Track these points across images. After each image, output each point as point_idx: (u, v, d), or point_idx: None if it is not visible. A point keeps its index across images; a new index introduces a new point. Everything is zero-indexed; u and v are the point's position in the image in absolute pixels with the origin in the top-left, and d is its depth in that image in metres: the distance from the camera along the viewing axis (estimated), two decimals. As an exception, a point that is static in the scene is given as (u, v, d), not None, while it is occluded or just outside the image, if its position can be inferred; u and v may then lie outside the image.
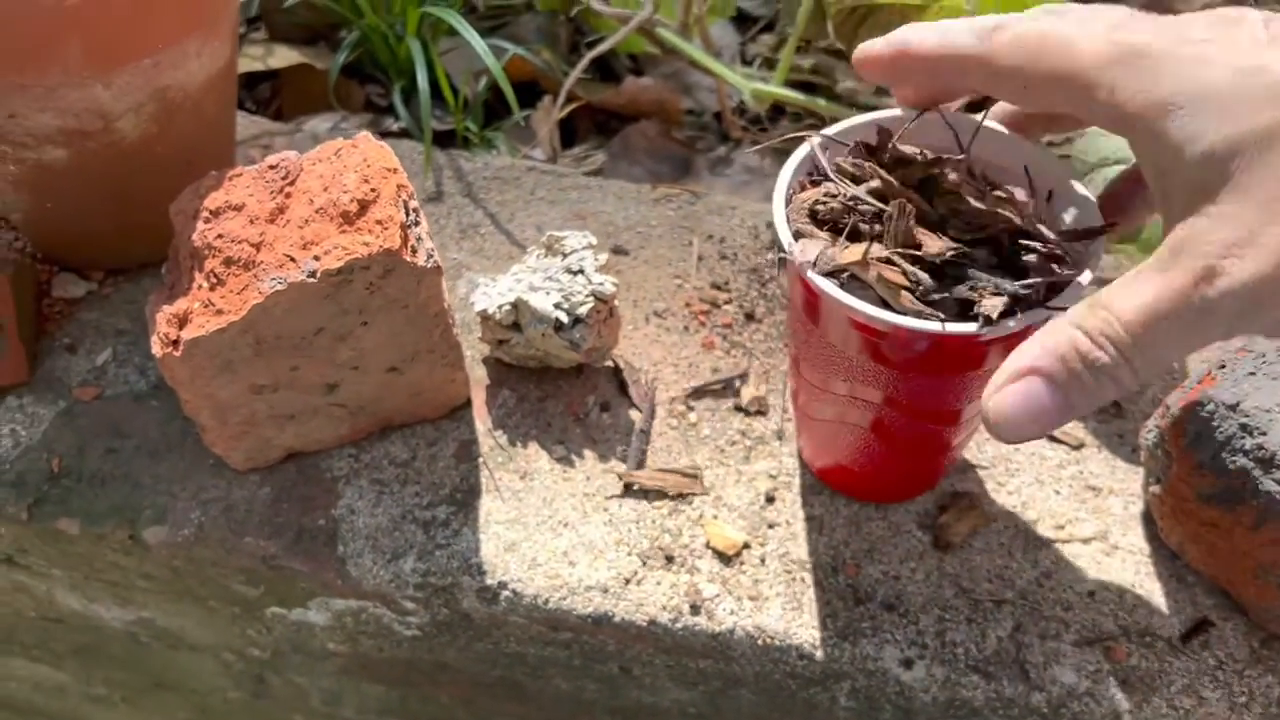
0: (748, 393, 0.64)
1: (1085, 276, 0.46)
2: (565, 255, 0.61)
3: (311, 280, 0.50)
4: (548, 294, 0.60)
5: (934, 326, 0.45)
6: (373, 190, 0.52)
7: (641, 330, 0.67)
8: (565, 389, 0.64)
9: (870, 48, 0.48)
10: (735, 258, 0.71)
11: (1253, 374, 0.54)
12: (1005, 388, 0.41)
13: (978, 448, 0.62)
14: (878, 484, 0.59)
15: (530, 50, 0.88)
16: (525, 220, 0.73)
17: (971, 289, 0.46)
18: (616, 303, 0.62)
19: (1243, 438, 0.52)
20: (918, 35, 0.47)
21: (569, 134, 0.90)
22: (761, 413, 0.64)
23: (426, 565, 0.57)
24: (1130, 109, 0.39)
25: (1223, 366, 0.54)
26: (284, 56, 0.88)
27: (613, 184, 0.76)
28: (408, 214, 0.53)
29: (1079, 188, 0.49)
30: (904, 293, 0.46)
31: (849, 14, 0.74)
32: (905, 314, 0.45)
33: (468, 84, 0.86)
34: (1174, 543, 0.57)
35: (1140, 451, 0.60)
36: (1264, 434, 0.52)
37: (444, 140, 0.85)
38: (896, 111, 0.53)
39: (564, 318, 0.59)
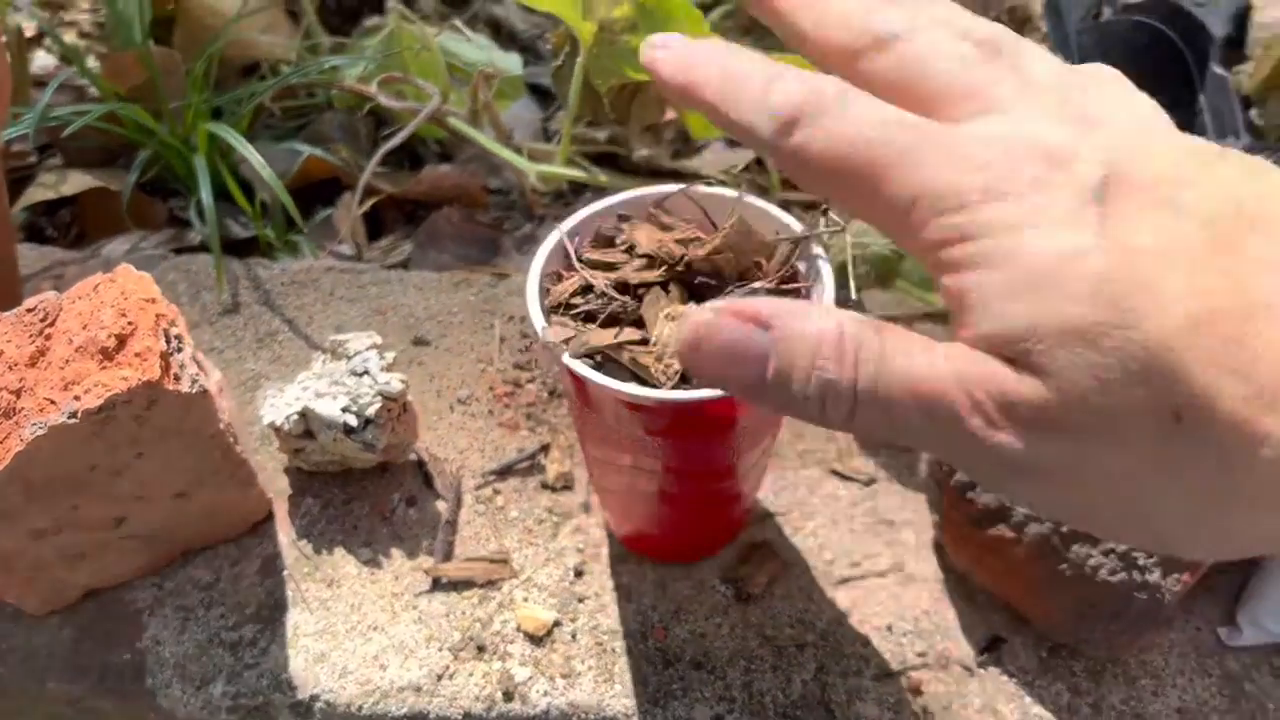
0: (553, 469, 0.65)
1: None
2: (349, 358, 0.62)
3: (73, 421, 0.50)
4: (334, 399, 0.60)
5: (680, 396, 0.47)
6: (130, 323, 0.52)
7: (446, 419, 0.68)
8: (370, 489, 0.64)
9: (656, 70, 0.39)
10: (537, 337, 0.73)
11: (1003, 400, 0.57)
12: (731, 318, 0.34)
13: (774, 495, 0.65)
14: (678, 545, 0.61)
15: (329, 149, 0.89)
16: (324, 322, 0.73)
17: None
18: (410, 398, 0.63)
19: (998, 462, 0.55)
20: (707, 88, 0.37)
21: (377, 227, 0.91)
22: (568, 487, 0.65)
23: (236, 688, 0.57)
24: (940, 256, 0.32)
25: (976, 396, 0.58)
26: (78, 181, 0.87)
27: (413, 275, 0.77)
28: (169, 342, 0.53)
29: (823, 263, 0.52)
30: (656, 366, 0.48)
31: (619, 91, 0.77)
32: (658, 386, 0.47)
33: (265, 190, 0.87)
34: (962, 567, 0.60)
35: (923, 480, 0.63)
36: (1016, 456, 0.55)
37: (247, 248, 0.85)
38: (647, 191, 0.55)
39: (353, 421, 0.60)
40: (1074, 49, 0.80)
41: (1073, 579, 0.54)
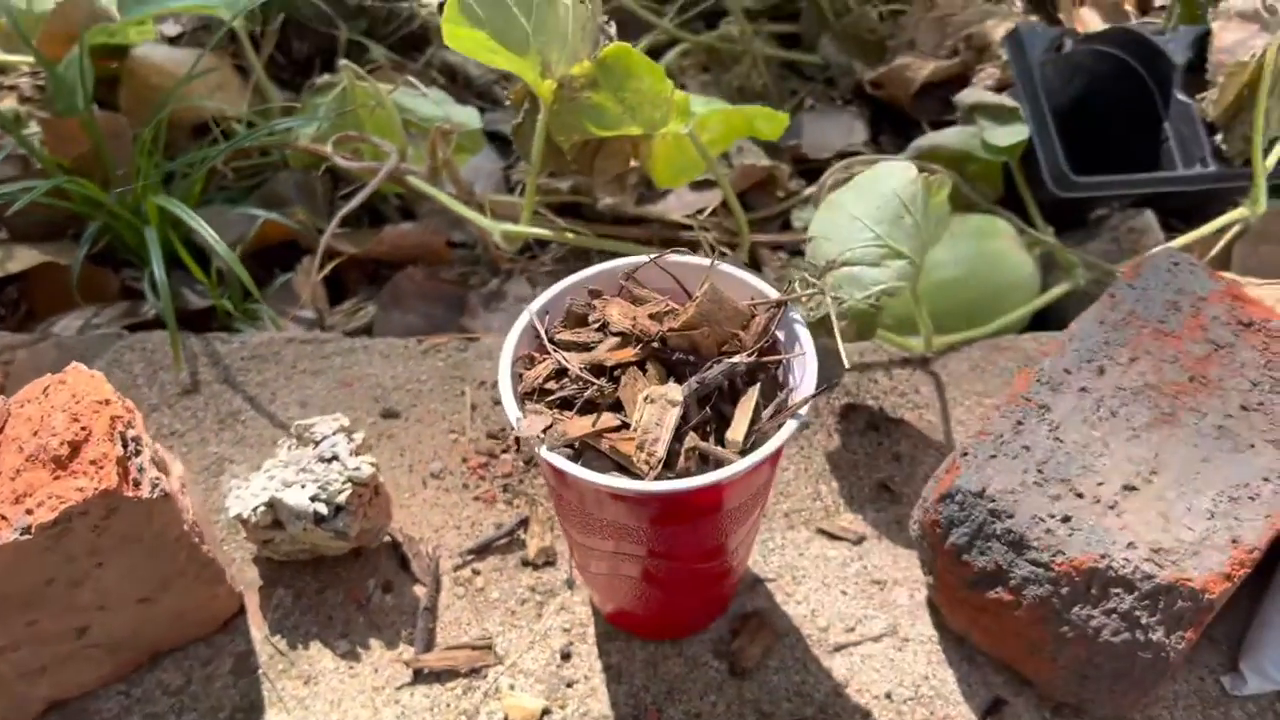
0: (534, 544, 0.63)
1: (795, 422, 0.47)
2: (316, 444, 0.60)
3: (27, 537, 0.47)
4: (302, 487, 0.58)
5: (664, 487, 0.45)
6: (83, 429, 0.50)
7: (419, 495, 0.66)
8: (344, 575, 0.62)
9: None
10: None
11: (994, 456, 0.56)
12: None
13: (763, 559, 0.63)
14: (666, 623, 0.59)
15: (285, 211, 0.87)
16: (288, 398, 0.71)
17: (695, 448, 0.46)
18: (381, 479, 0.61)
19: (993, 523, 0.54)
20: None
21: (339, 289, 0.88)
22: (550, 563, 0.63)
23: (213, 799, 0.54)
24: None
25: (965, 454, 0.56)
26: (25, 258, 0.84)
27: (378, 343, 0.75)
28: (125, 445, 0.51)
29: (801, 329, 0.51)
30: (639, 456, 0.46)
31: (583, 146, 0.75)
32: (641, 476, 0.45)
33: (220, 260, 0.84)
34: (958, 627, 0.59)
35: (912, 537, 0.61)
36: (1011, 516, 0.54)
37: (205, 318, 0.82)
38: (617, 263, 0.54)
39: (323, 510, 0.57)
40: (1038, 80, 0.79)
41: (1075, 640, 0.53)
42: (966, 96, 0.83)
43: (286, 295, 0.86)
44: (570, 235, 0.76)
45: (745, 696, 0.57)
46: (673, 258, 0.54)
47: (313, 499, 0.58)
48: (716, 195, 0.94)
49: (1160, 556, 0.52)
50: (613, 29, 0.72)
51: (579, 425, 0.47)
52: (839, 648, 0.59)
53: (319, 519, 0.58)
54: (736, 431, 0.48)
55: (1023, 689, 0.58)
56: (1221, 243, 0.79)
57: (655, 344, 0.50)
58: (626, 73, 0.66)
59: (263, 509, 0.58)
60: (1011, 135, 0.78)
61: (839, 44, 1.08)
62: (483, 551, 0.63)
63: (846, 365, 0.51)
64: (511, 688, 0.58)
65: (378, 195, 0.95)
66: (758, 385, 0.49)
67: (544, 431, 0.46)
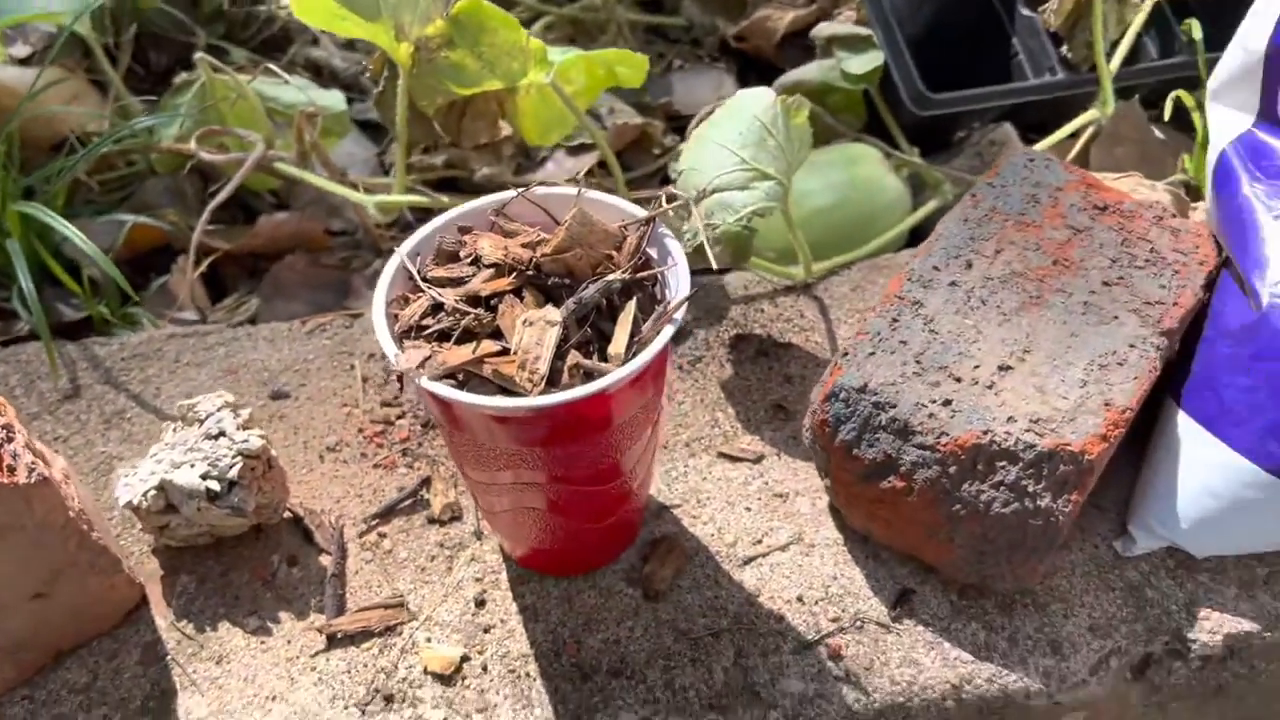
0: (438, 502, 0.63)
1: (676, 317, 0.48)
2: (201, 422, 0.59)
3: (-103, 535, 0.46)
4: (192, 466, 0.57)
5: (549, 400, 0.45)
6: (-52, 420, 0.48)
7: (317, 470, 0.65)
8: (246, 555, 0.61)
9: None
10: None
11: (873, 353, 0.57)
12: None
13: (667, 488, 0.63)
14: (577, 555, 0.59)
15: (155, 214, 0.85)
16: (173, 391, 0.70)
17: (578, 365, 0.47)
18: (274, 453, 0.60)
19: (878, 415, 0.55)
20: None
21: (219, 288, 0.87)
22: (456, 518, 0.63)
23: (131, 790, 0.53)
24: None
25: (845, 354, 0.58)
26: (-118, 286, 0.81)
27: (262, 329, 0.74)
28: (-4, 433, 0.49)
29: (672, 243, 0.51)
30: (521, 375, 0.46)
31: (448, 109, 0.75)
32: (525, 395, 0.46)
33: (94, 267, 0.82)
34: (858, 526, 0.60)
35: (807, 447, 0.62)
36: (894, 406, 0.55)
37: (82, 329, 0.80)
38: (485, 200, 0.54)
39: (215, 486, 0.56)
40: (887, 7, 0.82)
41: (968, 517, 0.54)
42: (822, 30, 0.85)
43: (165, 299, 0.84)
44: (445, 200, 0.76)
45: (661, 618, 0.58)
46: (539, 190, 0.54)
47: (203, 477, 0.57)
48: (594, 158, 0.94)
49: (1039, 426, 0.54)
50: (463, -10, 0.72)
51: (459, 354, 0.47)
52: (748, 560, 0.60)
53: (212, 496, 0.57)
54: (617, 345, 0.48)
55: (928, 577, 0.59)
56: (1078, 147, 0.82)
57: (529, 271, 0.50)
58: (480, 26, 0.66)
59: (153, 493, 0.57)
60: (867, 62, 0.80)
61: (701, 4, 1.10)
62: (387, 515, 0.63)
63: (715, 265, 0.52)
64: (428, 640, 0.57)
65: (248, 193, 0.93)
66: (634, 300, 0.50)
67: (423, 363, 0.46)
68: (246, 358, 0.72)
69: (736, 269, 0.78)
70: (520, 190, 0.54)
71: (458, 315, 0.48)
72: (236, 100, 0.84)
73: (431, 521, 0.62)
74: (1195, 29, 0.79)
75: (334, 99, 0.86)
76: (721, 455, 0.65)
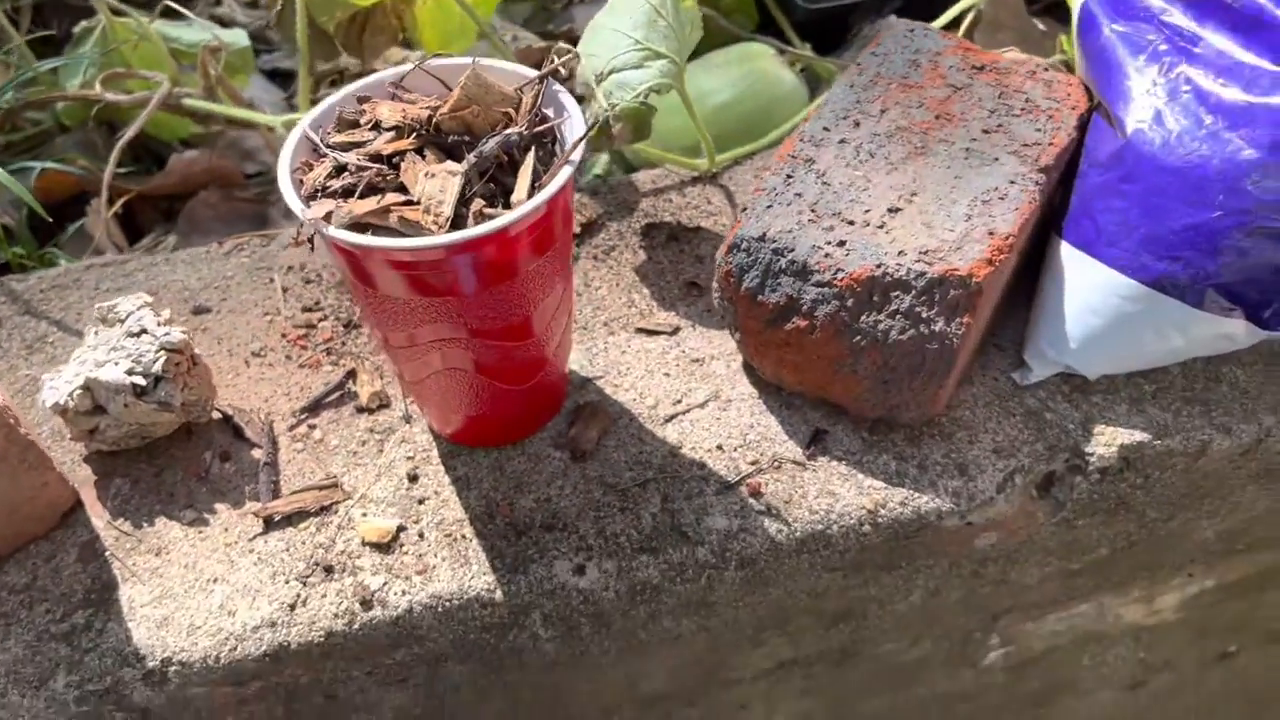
0: (365, 391, 0.64)
1: (573, 158, 0.50)
2: (122, 321, 0.60)
3: None
4: (115, 364, 0.58)
5: (453, 237, 0.47)
6: None
7: (243, 375, 0.66)
8: (178, 455, 0.62)
9: None
10: (320, 279, 0.72)
11: (770, 207, 0.60)
12: None
13: (589, 363, 0.66)
14: (504, 423, 0.61)
15: (65, 161, 0.85)
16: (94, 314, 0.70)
17: (481, 211, 0.49)
18: (197, 351, 0.61)
19: (778, 260, 0.58)
20: None
21: (136, 232, 0.87)
22: (384, 405, 0.64)
23: (79, 676, 0.54)
24: None
25: (744, 210, 0.60)
26: None
27: (180, 254, 0.75)
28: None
29: (566, 98, 0.54)
30: (426, 219, 0.48)
31: (348, 24, 0.76)
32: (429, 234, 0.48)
33: (5, 213, 0.82)
34: (770, 376, 0.63)
35: (716, 310, 0.65)
36: (792, 250, 0.58)
37: (-2, 274, 0.80)
38: (384, 74, 0.55)
39: (141, 381, 0.57)
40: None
41: (868, 348, 0.57)
42: (709, -64, 0.88)
43: (82, 243, 0.84)
44: (353, 113, 0.77)
45: (589, 475, 0.60)
46: (435, 62, 0.56)
47: (128, 373, 0.58)
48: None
49: (929, 256, 0.57)
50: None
51: (364, 205, 0.49)
52: (669, 419, 0.63)
53: (139, 392, 0.58)
54: (520, 192, 0.50)
55: (839, 418, 0.62)
56: (960, 33, 0.85)
57: (428, 131, 0.52)
58: (373, -67, 0.68)
59: (79, 392, 0.57)
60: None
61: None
62: (315, 408, 0.64)
63: (618, 143, 0.54)
64: (364, 515, 0.59)
65: (161, 142, 0.94)
66: (533, 151, 0.52)
67: (329, 215, 0.48)
68: (166, 279, 0.72)
69: (644, 165, 0.81)
70: (417, 64, 0.56)
71: (361, 173, 0.50)
72: (139, 43, 0.84)
73: (360, 411, 0.64)
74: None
75: (236, 35, 0.87)
76: (639, 331, 0.67)
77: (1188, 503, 0.66)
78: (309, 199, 0.51)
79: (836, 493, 0.59)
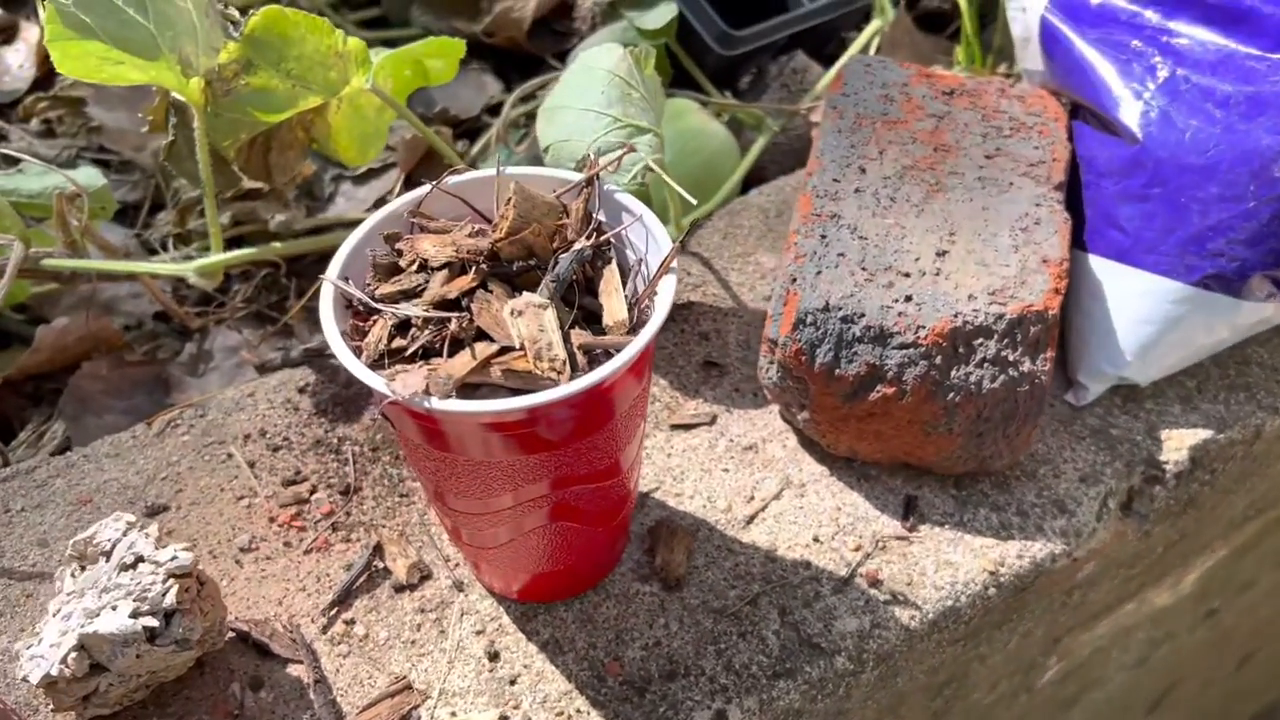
0: (400, 566, 0.55)
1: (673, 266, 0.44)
2: (107, 554, 0.48)
3: None
4: (114, 609, 0.46)
5: (593, 378, 0.40)
6: None
7: (239, 578, 0.55)
8: (197, 696, 0.50)
9: None
10: (289, 441, 0.61)
11: (819, 272, 0.56)
12: None
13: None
14: (584, 569, 0.53)
15: (-106, 360, 0.70)
16: (22, 545, 0.57)
17: (584, 344, 0.42)
18: (200, 567, 0.50)
19: (849, 328, 0.54)
20: None
21: (5, 427, 0.72)
22: (427, 577, 0.55)
23: None
24: None
25: (795, 280, 0.56)
26: None
27: (100, 445, 0.62)
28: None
29: (626, 198, 0.47)
30: (541, 366, 0.41)
31: (249, 146, 0.66)
32: (553, 385, 0.40)
33: None
34: (843, 450, 0.58)
35: (766, 391, 0.60)
36: (863, 314, 0.54)
37: None
38: (398, 202, 0.47)
39: (153, 622, 0.46)
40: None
41: (963, 401, 0.54)
42: (602, -5, 0.83)
43: (-60, 454, 0.69)
44: (278, 245, 0.67)
45: (691, 604, 0.53)
46: (454, 179, 0.48)
47: (135, 615, 0.46)
48: (384, 184, 0.87)
49: (999, 296, 0.54)
50: (234, 9, 0.64)
51: (460, 364, 0.41)
52: (749, 519, 0.57)
53: (152, 635, 0.46)
54: (616, 311, 0.44)
55: (923, 478, 0.59)
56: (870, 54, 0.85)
57: (487, 262, 0.44)
58: (285, 39, 0.59)
59: (74, 655, 0.45)
60: (663, 15, 0.78)
61: (432, 10, 1.04)
62: (346, 599, 0.54)
63: (694, 201, 0.48)
64: (453, 716, 0.50)
65: (-2, 314, 0.79)
66: (614, 263, 0.46)
67: (427, 383, 0.40)
68: (96, 482, 0.60)
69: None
70: (434, 184, 0.48)
71: (435, 326, 0.42)
72: (-33, 203, 0.70)
73: (400, 589, 0.55)
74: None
75: (90, 175, 0.74)
76: (675, 427, 0.61)
77: (1236, 485, 0.66)
78: (374, 366, 0.42)
79: (954, 561, 0.55)
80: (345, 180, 0.89)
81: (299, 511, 0.58)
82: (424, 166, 0.90)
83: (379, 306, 0.43)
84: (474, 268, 0.44)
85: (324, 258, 0.79)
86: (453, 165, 0.90)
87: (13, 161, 0.74)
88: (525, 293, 0.44)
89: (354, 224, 0.83)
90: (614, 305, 0.44)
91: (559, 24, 1.02)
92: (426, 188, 0.48)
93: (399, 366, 0.41)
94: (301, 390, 0.64)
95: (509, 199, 0.45)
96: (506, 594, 0.54)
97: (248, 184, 0.68)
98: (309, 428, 0.62)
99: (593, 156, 0.49)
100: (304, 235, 0.84)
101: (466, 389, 0.42)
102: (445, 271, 0.44)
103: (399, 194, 0.85)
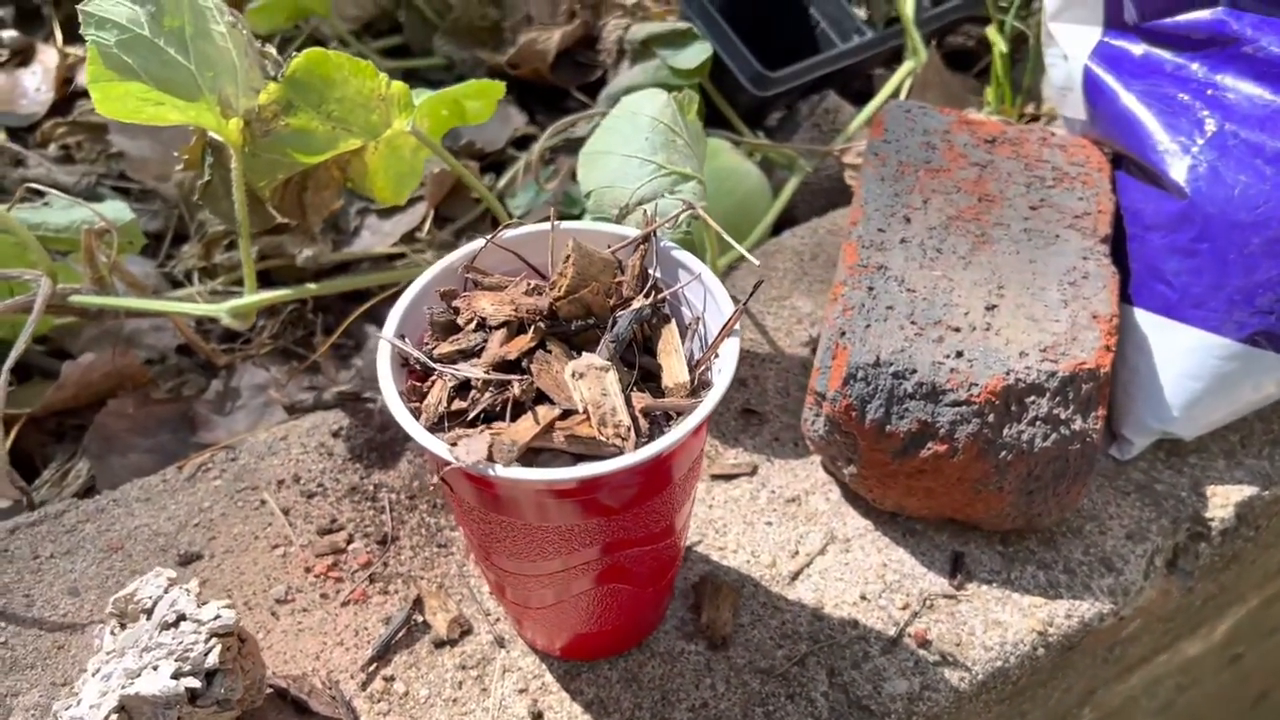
0: (441, 620, 0.54)
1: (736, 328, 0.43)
2: (148, 612, 0.47)
3: None
4: (156, 669, 0.45)
5: (660, 445, 0.39)
6: None
7: (275, 631, 0.54)
8: (237, 756, 0.49)
9: None
10: (324, 488, 0.60)
11: (869, 326, 0.55)
12: None
13: (680, 529, 0.58)
14: (629, 628, 0.52)
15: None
16: (52, 592, 0.56)
17: (646, 408, 0.42)
18: (240, 624, 0.49)
19: (900, 384, 0.53)
20: None
21: (24, 464, 0.71)
22: (468, 632, 0.54)
23: None
24: None
25: (843, 334, 0.55)
26: None
27: (130, 489, 0.61)
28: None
29: (684, 256, 0.47)
30: (606, 433, 0.40)
31: (284, 185, 0.65)
32: (617, 452, 0.40)
33: None
34: (890, 505, 0.58)
35: (809, 443, 0.59)
36: (914, 370, 0.53)
37: None
38: (451, 258, 0.47)
39: (196, 683, 0.45)
40: (707, 3, 0.80)
41: (1014, 460, 0.53)
42: (637, 33, 0.82)
43: (-38, 493, 0.68)
44: (313, 286, 0.66)
45: (737, 664, 0.52)
46: (508, 233, 0.48)
47: (176, 676, 0.45)
48: (411, 218, 0.87)
49: (1050, 353, 0.54)
50: (273, 49, 0.63)
51: (523, 429, 0.40)
52: (795, 575, 0.56)
53: (194, 696, 0.45)
54: (677, 373, 0.43)
55: (969, 534, 0.58)
56: (903, 97, 0.84)
57: (546, 320, 0.44)
58: (326, 81, 0.58)
59: (115, 717, 0.44)
60: (698, 54, 0.78)
61: (455, 39, 1.04)
62: (385, 654, 0.53)
63: (740, 247, 0.48)
64: (499, 778, 0.49)
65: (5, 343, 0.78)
66: (673, 323, 0.45)
67: (490, 450, 0.39)
68: (127, 528, 0.59)
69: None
70: (489, 238, 0.47)
71: (496, 388, 0.41)
72: (-7, 237, 0.69)
73: (440, 645, 0.53)
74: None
75: (117, 209, 0.73)
76: (716, 477, 0.61)
77: (1277, 539, 0.66)
78: (432, 428, 0.41)
79: (1002, 621, 0.54)
80: (371, 213, 0.88)
81: (335, 561, 0.57)
82: (451, 200, 0.89)
83: (438, 367, 0.42)
84: (532, 326, 0.43)
85: (352, 295, 0.79)
86: (480, 198, 0.90)
87: (38, 193, 0.73)
88: (584, 353, 0.43)
89: (380, 259, 0.84)
90: (674, 366, 0.43)
91: (582, 56, 1.02)
92: (480, 242, 0.47)
93: (459, 430, 0.40)
94: (335, 434, 0.63)
95: (568, 257, 0.44)
96: (549, 651, 0.53)
97: (279, 221, 0.67)
98: (344, 474, 0.61)
99: (648, 213, 0.48)
100: (331, 270, 0.83)
101: (526, 453, 0.41)
102: (504, 330, 0.43)
103: (428, 229, 0.85)
